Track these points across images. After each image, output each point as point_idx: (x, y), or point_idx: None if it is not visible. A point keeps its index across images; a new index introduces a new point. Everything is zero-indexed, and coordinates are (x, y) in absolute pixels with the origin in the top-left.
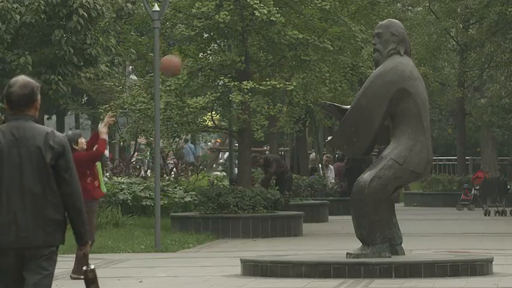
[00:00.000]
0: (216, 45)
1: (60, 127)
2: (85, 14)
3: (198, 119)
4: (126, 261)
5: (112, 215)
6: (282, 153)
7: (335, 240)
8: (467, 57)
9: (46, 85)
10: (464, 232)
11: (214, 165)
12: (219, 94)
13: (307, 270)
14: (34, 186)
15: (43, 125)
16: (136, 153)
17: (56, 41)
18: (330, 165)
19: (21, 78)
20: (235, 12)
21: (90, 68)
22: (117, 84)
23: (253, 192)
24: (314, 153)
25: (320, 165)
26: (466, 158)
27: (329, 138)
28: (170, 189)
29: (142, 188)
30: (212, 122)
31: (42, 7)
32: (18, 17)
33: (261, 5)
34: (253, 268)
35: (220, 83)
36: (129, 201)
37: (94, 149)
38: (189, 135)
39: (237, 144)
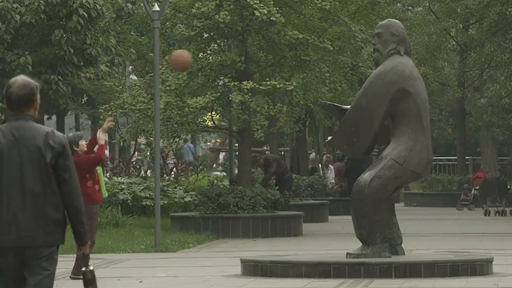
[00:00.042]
0: (216, 45)
1: (60, 127)
2: (85, 14)
3: (198, 119)
4: (126, 261)
5: (112, 215)
6: (282, 153)
7: (335, 240)
8: (467, 57)
9: (46, 85)
10: (464, 232)
11: (214, 165)
12: (219, 94)
13: (307, 270)
14: (34, 186)
15: (43, 125)
16: (136, 153)
17: (56, 41)
18: (330, 165)
19: (21, 78)
20: (235, 12)
21: (90, 68)
22: (117, 84)
23: (253, 192)
24: (314, 153)
25: (319, 165)
26: (466, 158)
27: (329, 138)
28: (170, 189)
29: (142, 188)
30: (212, 122)
31: (42, 7)
32: (18, 17)
33: (261, 5)
34: (253, 268)
35: (220, 83)
36: (129, 201)
37: (94, 152)
38: (189, 135)
39: (237, 144)
